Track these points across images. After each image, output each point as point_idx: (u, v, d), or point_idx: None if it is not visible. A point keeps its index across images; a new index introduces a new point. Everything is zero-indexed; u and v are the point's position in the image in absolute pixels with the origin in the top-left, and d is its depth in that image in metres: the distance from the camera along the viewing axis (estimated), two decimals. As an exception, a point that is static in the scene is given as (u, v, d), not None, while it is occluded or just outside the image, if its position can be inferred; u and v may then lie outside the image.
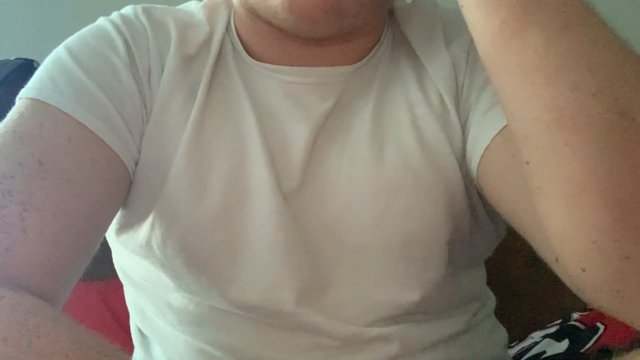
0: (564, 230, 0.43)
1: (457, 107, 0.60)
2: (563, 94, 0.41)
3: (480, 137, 0.57)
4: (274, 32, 0.60)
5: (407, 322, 0.61)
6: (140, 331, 0.68)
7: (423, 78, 0.62)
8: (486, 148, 0.55)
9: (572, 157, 0.41)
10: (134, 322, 0.70)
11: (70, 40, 0.59)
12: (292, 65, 0.60)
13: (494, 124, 0.55)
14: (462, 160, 0.59)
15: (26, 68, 1.16)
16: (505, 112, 0.47)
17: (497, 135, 0.55)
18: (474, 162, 0.57)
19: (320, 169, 0.59)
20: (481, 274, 0.71)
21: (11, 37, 1.31)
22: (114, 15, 0.62)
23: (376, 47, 0.63)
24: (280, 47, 0.61)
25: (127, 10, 0.62)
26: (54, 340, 0.42)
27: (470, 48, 0.61)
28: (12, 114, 0.54)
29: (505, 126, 0.54)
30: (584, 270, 0.43)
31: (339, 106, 0.60)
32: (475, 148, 0.57)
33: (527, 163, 0.45)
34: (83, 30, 0.60)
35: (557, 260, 0.46)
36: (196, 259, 0.58)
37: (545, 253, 0.50)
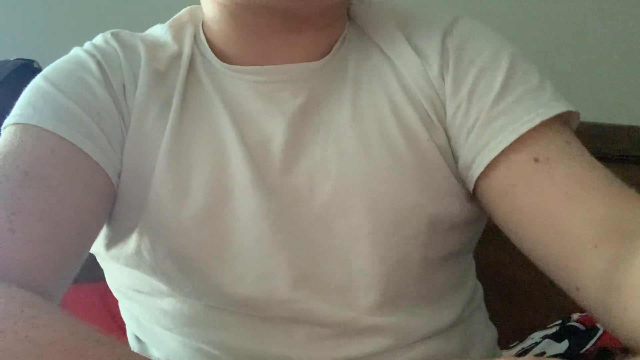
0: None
1: (436, 105, 0.62)
2: None
3: (485, 148, 0.58)
4: (256, 25, 0.63)
5: (400, 313, 0.62)
6: (137, 338, 0.69)
7: (398, 72, 0.64)
8: (488, 165, 0.58)
9: None
10: (131, 330, 0.71)
11: (45, 70, 0.63)
12: (262, 65, 0.63)
13: (499, 139, 0.57)
14: (444, 149, 0.61)
15: (26, 68, 1.16)
16: None
17: (503, 152, 0.57)
18: (474, 170, 0.59)
19: (306, 161, 0.61)
20: (470, 262, 0.72)
21: (11, 37, 1.31)
22: (86, 44, 0.65)
23: (339, 41, 0.66)
24: (255, 44, 0.64)
25: (97, 38, 0.66)
26: (51, 330, 0.42)
27: (445, 54, 0.62)
28: None
29: (511, 144, 0.56)
30: None
31: (312, 101, 0.63)
32: (476, 160, 0.59)
33: None
34: (57, 60, 0.64)
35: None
36: (186, 259, 0.60)
37: (562, 281, 0.53)
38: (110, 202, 0.60)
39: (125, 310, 0.70)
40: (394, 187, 0.60)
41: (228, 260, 0.60)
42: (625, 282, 0.46)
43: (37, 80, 0.61)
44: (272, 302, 0.60)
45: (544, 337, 0.92)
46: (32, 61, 1.18)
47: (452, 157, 0.62)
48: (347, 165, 0.60)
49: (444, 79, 0.62)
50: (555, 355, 0.86)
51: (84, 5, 1.29)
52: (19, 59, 1.18)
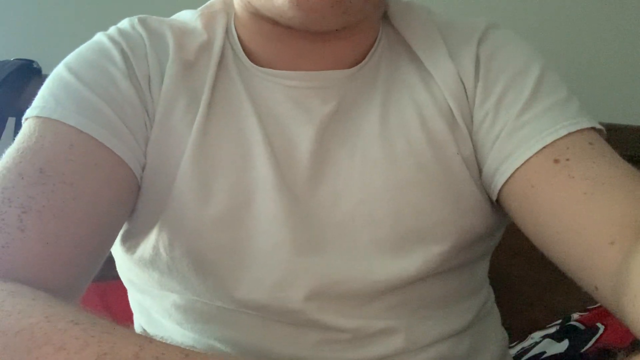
0: None
1: (464, 113, 0.62)
2: None
3: (510, 157, 0.58)
4: (278, 32, 0.61)
5: (413, 316, 0.62)
6: (145, 331, 0.68)
7: (429, 81, 0.63)
8: (516, 170, 0.57)
9: None
10: (139, 323, 0.70)
11: (68, 57, 0.61)
12: (293, 70, 0.62)
13: (524, 149, 0.57)
14: (470, 161, 0.61)
15: (26, 68, 1.16)
16: None
17: (532, 157, 0.56)
18: (498, 178, 0.59)
19: (332, 170, 0.60)
20: (485, 267, 0.71)
21: (11, 37, 1.31)
22: (111, 29, 0.63)
23: (373, 48, 0.65)
24: (283, 50, 0.62)
25: (124, 23, 0.64)
26: (25, 316, 0.41)
27: (477, 62, 0.62)
28: (18, 135, 0.56)
29: (539, 150, 0.56)
30: None
31: (341, 109, 0.62)
32: (500, 168, 0.59)
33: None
34: (81, 47, 0.62)
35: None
36: (203, 261, 0.59)
37: (583, 282, 0.53)
38: (134, 197, 0.59)
39: (136, 303, 0.69)
40: (420, 200, 0.60)
41: (245, 265, 0.59)
42: (635, 274, 0.45)
43: (59, 70, 0.60)
44: (285, 311, 0.59)
45: (544, 337, 0.92)
46: (32, 61, 1.18)
47: (477, 169, 0.61)
48: (373, 177, 0.60)
49: (475, 86, 0.62)
50: (555, 355, 0.86)
51: (84, 6, 1.29)
52: (19, 59, 1.18)
